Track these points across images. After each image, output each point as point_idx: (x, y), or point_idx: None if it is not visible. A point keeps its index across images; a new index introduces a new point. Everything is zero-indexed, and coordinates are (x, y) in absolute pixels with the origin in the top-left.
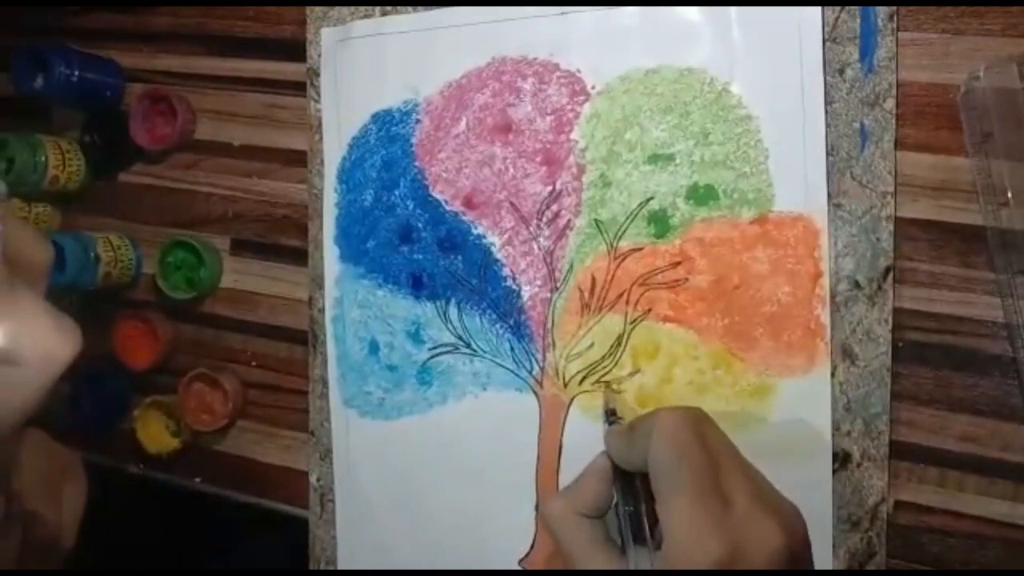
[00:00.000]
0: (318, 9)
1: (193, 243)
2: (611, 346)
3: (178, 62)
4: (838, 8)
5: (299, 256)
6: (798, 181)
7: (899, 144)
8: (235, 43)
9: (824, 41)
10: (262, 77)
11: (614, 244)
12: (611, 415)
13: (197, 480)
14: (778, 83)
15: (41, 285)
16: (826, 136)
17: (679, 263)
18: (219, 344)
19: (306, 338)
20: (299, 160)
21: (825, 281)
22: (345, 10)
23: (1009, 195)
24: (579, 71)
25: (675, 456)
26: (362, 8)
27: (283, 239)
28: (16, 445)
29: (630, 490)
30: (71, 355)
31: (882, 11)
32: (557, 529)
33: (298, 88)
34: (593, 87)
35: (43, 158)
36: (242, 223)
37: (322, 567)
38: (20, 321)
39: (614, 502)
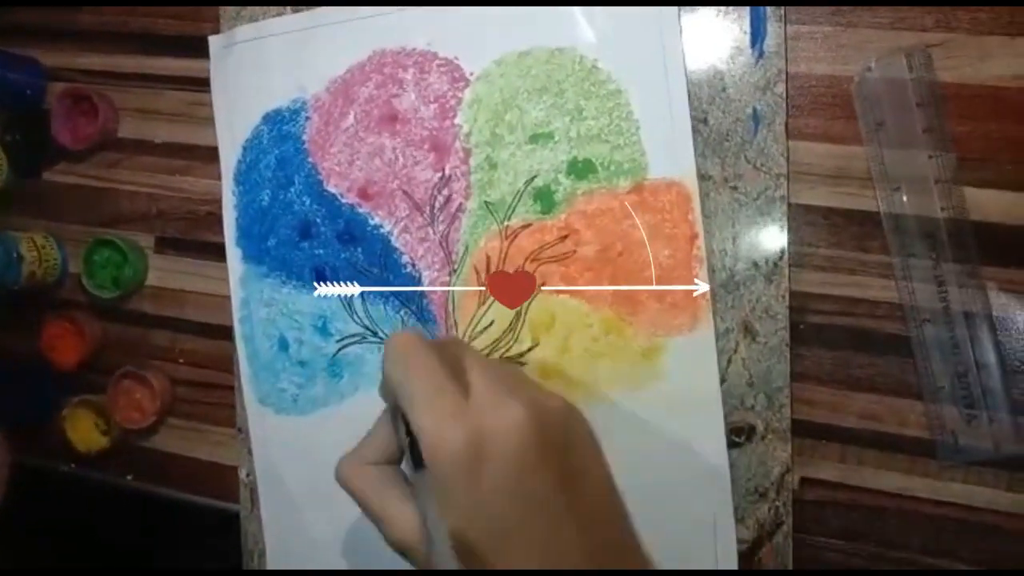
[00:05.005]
0: (231, 9)
1: (117, 241)
2: (510, 322)
3: (100, 60)
4: None
5: (223, 252)
6: (668, 149)
7: (798, 134)
8: (156, 41)
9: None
10: (182, 75)
11: (504, 223)
12: None
13: (128, 478)
14: (642, 58)
15: None
16: (689, 103)
17: (566, 236)
18: (147, 342)
19: (232, 334)
20: (219, 157)
21: (701, 243)
22: (258, 8)
23: (901, 181)
24: (457, 58)
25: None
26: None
27: (207, 236)
28: None
29: (401, 424)
30: None
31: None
32: (350, 485)
33: None
34: (471, 73)
35: None
36: (166, 220)
37: (255, 560)
38: None
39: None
